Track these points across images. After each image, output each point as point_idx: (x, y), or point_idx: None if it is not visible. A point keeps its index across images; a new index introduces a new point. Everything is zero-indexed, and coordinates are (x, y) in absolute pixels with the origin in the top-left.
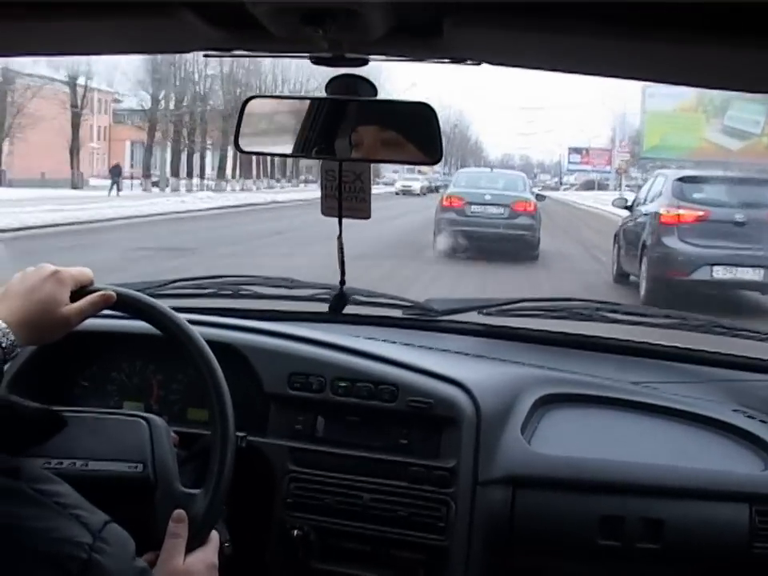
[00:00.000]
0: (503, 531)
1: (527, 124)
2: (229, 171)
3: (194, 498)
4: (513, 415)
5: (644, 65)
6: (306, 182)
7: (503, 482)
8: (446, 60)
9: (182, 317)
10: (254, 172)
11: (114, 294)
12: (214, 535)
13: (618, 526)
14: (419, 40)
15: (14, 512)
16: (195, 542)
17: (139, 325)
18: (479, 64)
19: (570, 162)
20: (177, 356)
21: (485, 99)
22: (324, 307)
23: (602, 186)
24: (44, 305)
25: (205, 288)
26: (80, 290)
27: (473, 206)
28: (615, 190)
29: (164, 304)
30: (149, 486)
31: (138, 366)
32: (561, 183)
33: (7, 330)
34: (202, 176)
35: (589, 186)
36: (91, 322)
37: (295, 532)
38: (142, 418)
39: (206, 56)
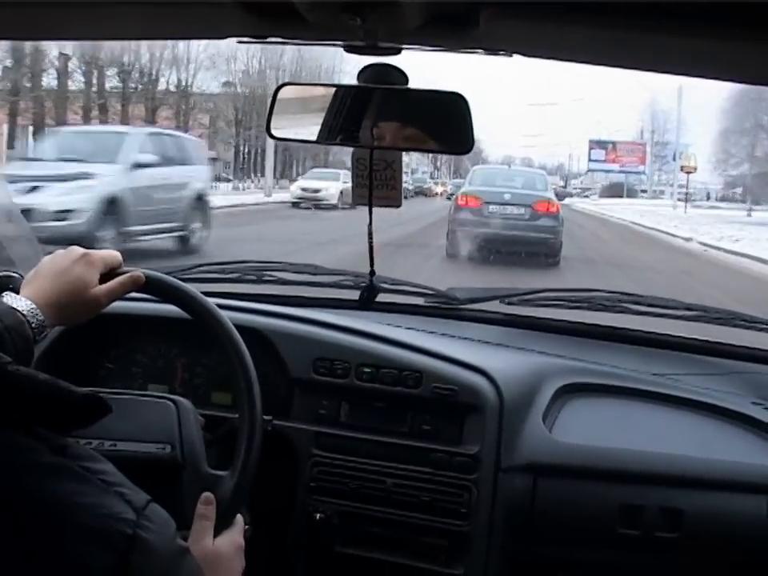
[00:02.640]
0: (524, 518)
1: (533, 122)
2: None
3: (222, 479)
4: (535, 403)
5: (682, 59)
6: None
7: (525, 469)
8: (479, 51)
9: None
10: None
11: (142, 275)
12: (239, 518)
13: (638, 515)
14: (454, 31)
15: (62, 488)
16: (222, 523)
17: (164, 308)
18: (511, 55)
19: (591, 160)
20: (201, 340)
21: (486, 94)
22: (348, 294)
23: (632, 192)
24: (73, 285)
25: (229, 272)
26: (109, 273)
27: (491, 206)
28: (652, 195)
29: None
30: (177, 467)
31: (162, 349)
32: (566, 187)
33: (36, 311)
34: None
35: (615, 191)
36: (116, 305)
37: (318, 516)
38: (170, 399)
39: (239, 42)
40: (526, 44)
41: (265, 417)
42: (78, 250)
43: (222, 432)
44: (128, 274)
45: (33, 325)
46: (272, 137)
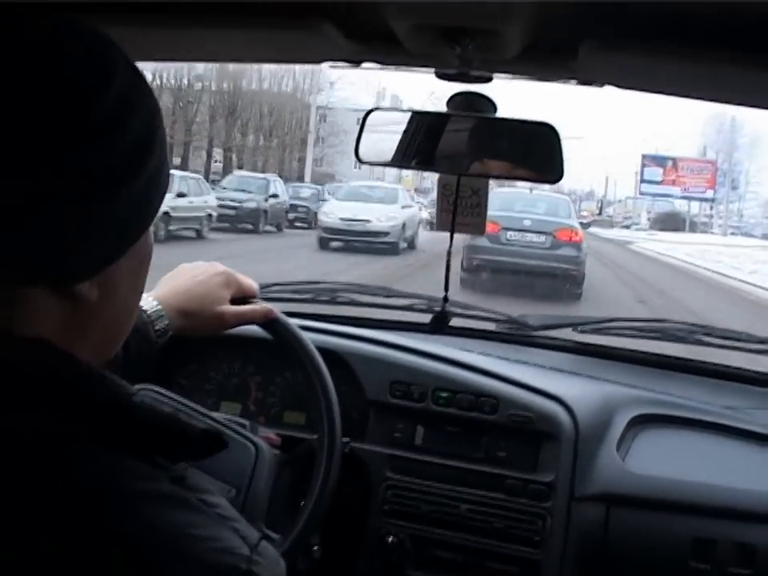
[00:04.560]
0: (596, 548)
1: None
2: None
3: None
4: (609, 433)
5: None
6: None
7: (599, 498)
8: (571, 81)
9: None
10: None
11: (274, 311)
12: None
13: (710, 550)
14: (551, 61)
15: (181, 519)
16: None
17: (240, 326)
18: (602, 86)
19: (643, 181)
20: (276, 359)
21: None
22: (420, 318)
23: (693, 225)
24: (206, 297)
25: (303, 293)
26: (242, 299)
27: (509, 232)
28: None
29: None
30: None
31: (236, 368)
32: (601, 214)
33: (162, 312)
34: None
35: (671, 222)
36: None
37: (390, 539)
38: (253, 443)
39: (332, 67)
40: (621, 76)
41: (342, 439)
42: (220, 267)
43: (297, 453)
44: (263, 305)
45: (156, 327)
46: (360, 161)
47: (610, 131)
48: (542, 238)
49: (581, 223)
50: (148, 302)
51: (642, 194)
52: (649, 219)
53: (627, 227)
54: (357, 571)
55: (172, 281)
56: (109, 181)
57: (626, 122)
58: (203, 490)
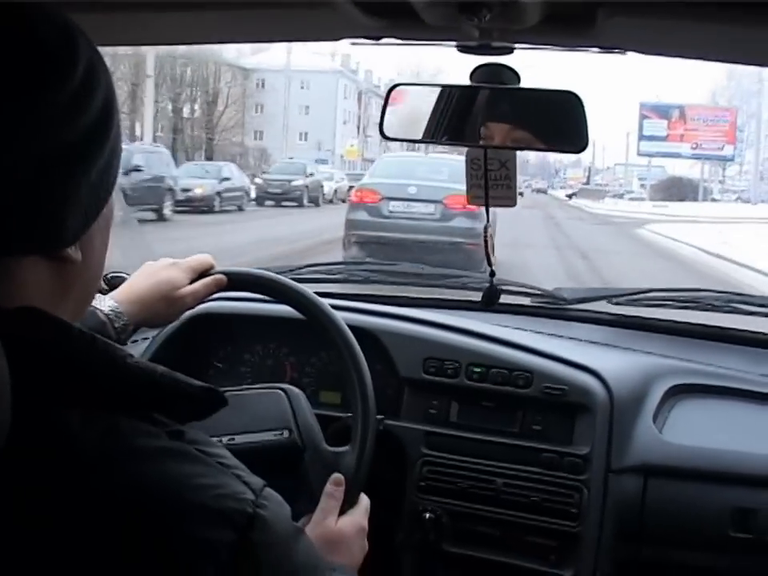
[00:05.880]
0: (634, 520)
1: None
2: None
3: (343, 455)
4: (645, 404)
5: None
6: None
7: (636, 470)
8: (593, 49)
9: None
10: None
11: (224, 277)
12: (364, 499)
13: (751, 519)
14: (570, 29)
15: (182, 470)
16: (346, 501)
17: (273, 308)
18: (624, 53)
19: (643, 137)
20: (310, 339)
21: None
22: (456, 294)
23: (708, 192)
24: (160, 285)
25: (337, 273)
26: (201, 276)
27: (392, 203)
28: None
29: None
30: (297, 450)
31: (271, 349)
32: (588, 183)
33: (119, 310)
34: None
35: (677, 191)
36: (226, 305)
37: (427, 515)
38: (279, 388)
39: (353, 44)
40: (641, 42)
41: (377, 416)
42: (168, 259)
43: (333, 430)
44: (211, 276)
45: (115, 324)
46: (385, 137)
47: (596, 86)
48: (431, 208)
49: (566, 195)
50: (105, 302)
51: (642, 154)
52: (643, 186)
53: (620, 196)
54: (395, 547)
55: (128, 281)
56: (85, 149)
57: (615, 74)
58: (203, 442)
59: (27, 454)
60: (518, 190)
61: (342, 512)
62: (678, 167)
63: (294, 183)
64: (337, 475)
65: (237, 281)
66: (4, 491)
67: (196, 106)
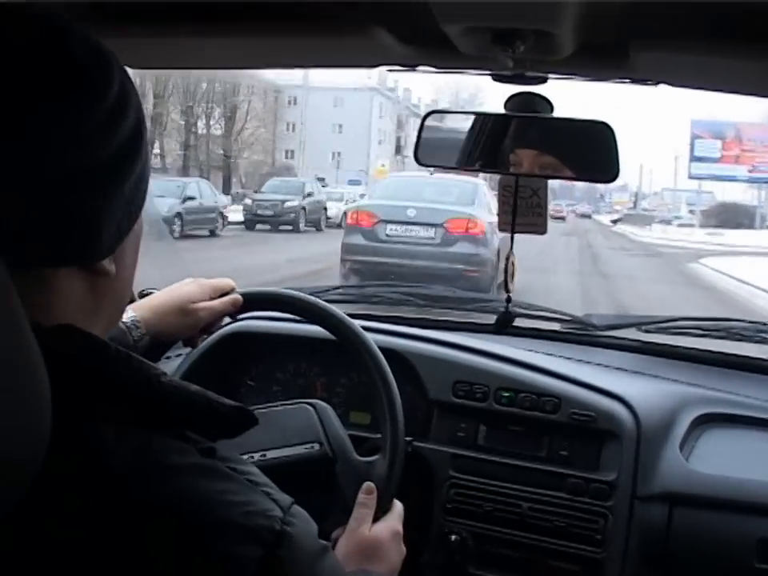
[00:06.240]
0: (659, 548)
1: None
2: None
3: (374, 464)
4: (672, 432)
5: None
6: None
7: (661, 498)
8: (626, 80)
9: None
10: None
11: (240, 298)
12: (398, 504)
13: None
14: (603, 60)
15: (212, 487)
16: (380, 509)
17: (305, 328)
18: (657, 85)
19: (695, 159)
20: (341, 360)
21: None
22: (485, 318)
23: (764, 219)
24: (178, 298)
25: (367, 295)
26: (220, 297)
27: (389, 226)
28: None
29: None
30: (329, 462)
31: (302, 368)
32: (635, 207)
33: (137, 320)
34: None
35: (732, 217)
36: (259, 324)
37: (453, 537)
38: (307, 403)
39: (389, 71)
40: (673, 74)
41: (405, 438)
42: (190, 279)
43: (363, 451)
44: (229, 296)
45: (133, 333)
46: (420, 164)
47: (644, 105)
48: (431, 232)
49: (612, 221)
50: (125, 313)
51: (693, 177)
52: (692, 212)
53: (668, 222)
54: (420, 569)
55: (150, 297)
56: (119, 164)
57: (664, 92)
58: (233, 460)
59: (62, 468)
60: (561, 214)
61: (376, 519)
62: (729, 192)
63: (287, 204)
64: (368, 483)
65: (255, 300)
66: (39, 504)
67: (211, 122)
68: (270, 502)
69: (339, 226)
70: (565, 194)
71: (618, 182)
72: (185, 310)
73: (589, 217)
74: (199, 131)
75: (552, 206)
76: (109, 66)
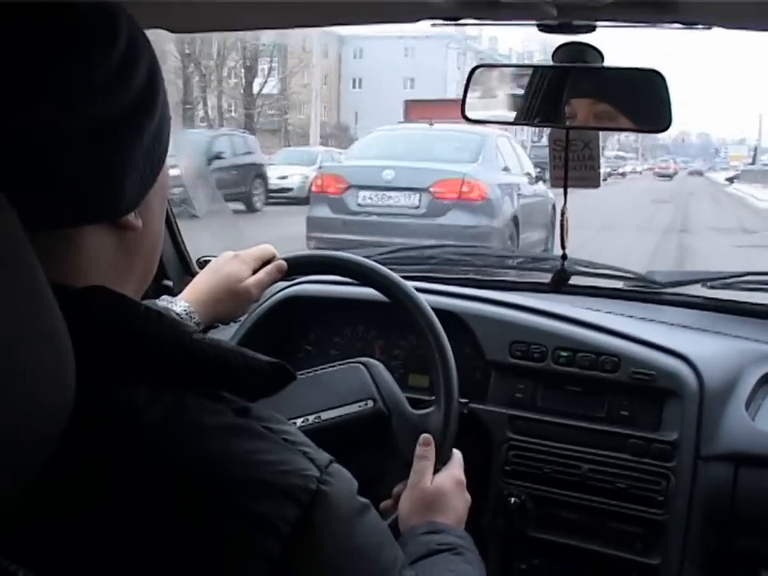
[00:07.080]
0: (724, 509)
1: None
2: None
3: (429, 416)
4: (737, 391)
5: None
6: None
7: (726, 458)
8: (675, 25)
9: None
10: None
11: (284, 263)
12: (457, 453)
13: None
14: (649, 4)
15: (247, 446)
16: (439, 460)
17: (361, 291)
18: (710, 28)
19: None
20: (399, 322)
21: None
22: (544, 277)
23: None
24: (225, 280)
25: (423, 256)
26: (263, 266)
27: (362, 193)
28: None
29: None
30: (384, 418)
31: (360, 332)
32: (754, 163)
33: (191, 310)
34: None
35: None
36: (314, 288)
37: (512, 500)
38: (357, 362)
39: (433, 25)
40: (724, 16)
41: (461, 400)
42: (229, 252)
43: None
44: (273, 263)
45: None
46: (467, 119)
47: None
48: (414, 199)
49: (726, 179)
50: (177, 303)
51: None
52: None
53: None
54: (480, 532)
55: (192, 281)
56: (135, 114)
57: None
58: (269, 419)
59: (93, 428)
60: (668, 171)
61: (437, 471)
62: None
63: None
64: (425, 435)
65: (300, 264)
66: (70, 463)
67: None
68: (306, 461)
69: None
70: (678, 150)
71: (736, 134)
72: (234, 291)
73: (701, 174)
74: (254, 90)
75: (658, 162)
76: (114, 18)
